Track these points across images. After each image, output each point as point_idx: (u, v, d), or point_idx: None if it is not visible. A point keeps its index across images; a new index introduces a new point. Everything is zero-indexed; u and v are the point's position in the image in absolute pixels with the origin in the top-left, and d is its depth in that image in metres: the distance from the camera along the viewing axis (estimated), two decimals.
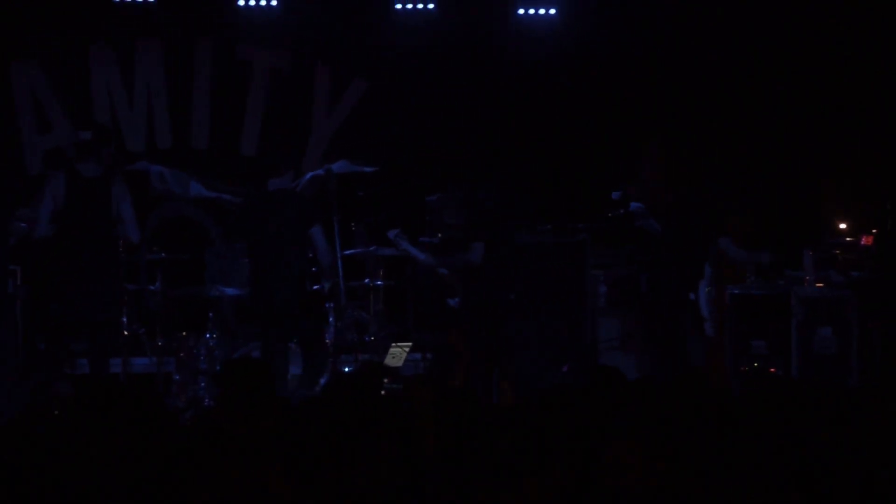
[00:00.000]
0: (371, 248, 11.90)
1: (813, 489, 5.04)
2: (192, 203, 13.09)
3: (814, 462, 5.17)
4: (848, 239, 12.03)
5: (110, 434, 5.20)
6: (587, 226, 12.40)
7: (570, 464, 4.93)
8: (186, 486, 5.01)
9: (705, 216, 11.00)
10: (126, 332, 11.17)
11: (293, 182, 11.13)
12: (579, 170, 13.67)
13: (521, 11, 13.96)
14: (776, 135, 13.50)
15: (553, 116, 13.87)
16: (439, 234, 11.78)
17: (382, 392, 7.29)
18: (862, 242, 11.77)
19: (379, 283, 12.09)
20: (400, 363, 11.75)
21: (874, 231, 11.73)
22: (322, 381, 10.64)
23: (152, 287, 11.70)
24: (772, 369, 11.31)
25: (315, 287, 10.92)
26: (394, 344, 11.89)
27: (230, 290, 11.49)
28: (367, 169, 12.06)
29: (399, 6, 13.86)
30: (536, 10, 13.95)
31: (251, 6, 13.75)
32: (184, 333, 11.39)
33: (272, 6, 13.76)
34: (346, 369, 11.35)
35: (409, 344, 11.98)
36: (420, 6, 13.87)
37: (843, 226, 12.51)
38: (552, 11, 13.94)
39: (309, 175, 11.80)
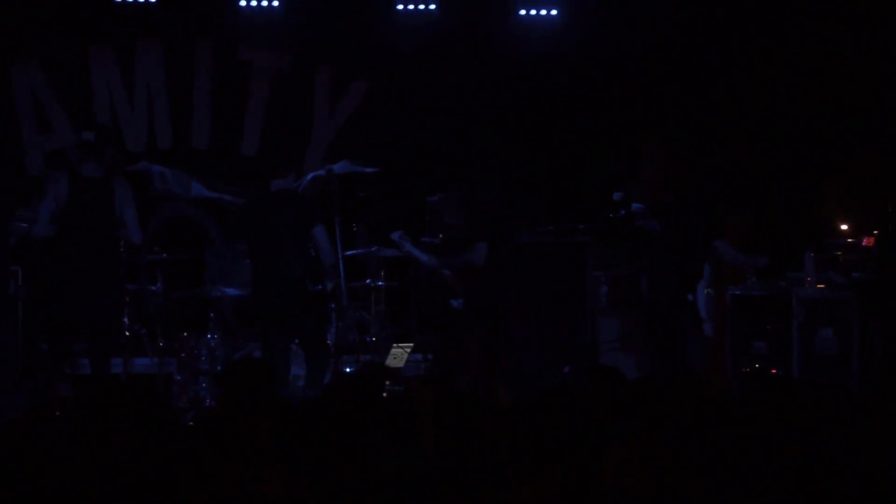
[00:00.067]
0: (372, 249, 11.90)
1: (813, 490, 5.04)
2: (192, 203, 13.09)
3: (814, 463, 5.17)
4: (849, 240, 12.02)
5: (111, 435, 5.19)
6: (588, 226, 12.41)
7: (571, 464, 4.93)
8: (188, 487, 5.01)
9: (705, 216, 11.00)
10: (127, 333, 11.17)
11: (295, 183, 11.13)
12: (580, 170, 13.67)
13: (523, 12, 13.97)
14: (776, 135, 13.50)
15: (554, 117, 13.88)
16: (440, 235, 11.78)
17: (384, 394, 7.28)
18: (863, 243, 11.76)
19: (380, 283, 12.09)
20: (401, 364, 11.76)
21: (875, 232, 11.73)
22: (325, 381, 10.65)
23: (153, 287, 11.69)
24: (773, 370, 11.31)
25: (317, 287, 10.93)
26: (395, 345, 11.90)
27: (231, 291, 11.49)
28: (369, 169, 12.07)
29: (400, 7, 13.87)
30: (538, 11, 13.96)
31: (252, 6, 13.76)
32: (185, 334, 11.39)
33: (273, 6, 13.76)
34: (348, 370, 11.34)
35: (411, 345, 11.99)
36: (421, 7, 13.88)
37: (844, 227, 12.50)
38: (553, 12, 13.95)
39: (310, 175, 11.81)
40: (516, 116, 13.89)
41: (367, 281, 12.05)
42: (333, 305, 11.15)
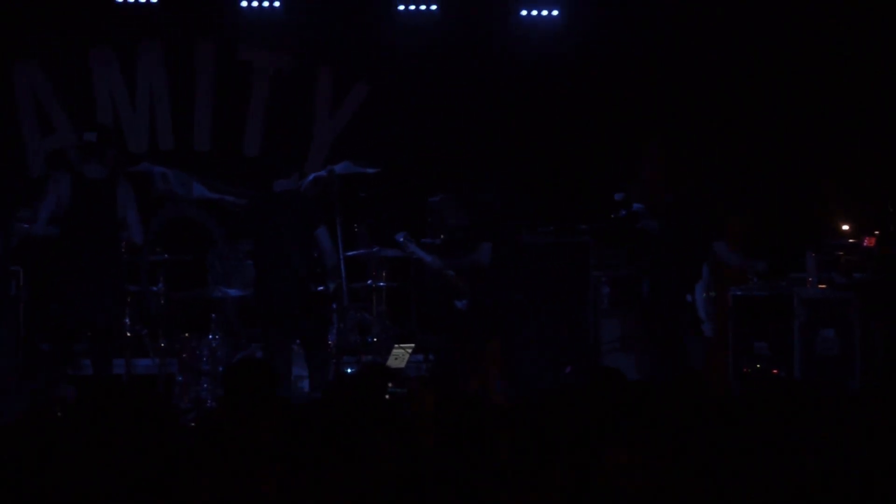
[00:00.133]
0: (374, 250, 11.90)
1: (813, 490, 5.05)
2: (194, 204, 13.09)
3: (814, 463, 5.18)
4: (850, 240, 12.02)
5: (113, 435, 5.20)
6: (590, 227, 12.41)
7: (571, 464, 4.94)
8: (189, 487, 5.02)
9: (705, 217, 11.00)
10: (129, 334, 11.17)
11: (297, 183, 11.14)
12: (582, 171, 13.67)
13: (524, 13, 13.98)
14: (777, 135, 13.50)
15: (555, 117, 13.88)
16: (441, 236, 11.79)
17: (387, 396, 7.27)
18: (864, 244, 11.76)
19: (381, 284, 12.09)
20: (402, 365, 11.76)
21: (876, 232, 11.73)
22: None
23: (155, 288, 11.69)
24: (774, 371, 11.31)
25: (320, 288, 10.93)
26: (396, 345, 11.90)
27: (233, 292, 11.50)
28: (370, 170, 12.06)
29: (401, 7, 13.87)
30: (539, 12, 13.96)
31: (253, 7, 13.76)
32: (186, 335, 11.40)
33: (274, 7, 13.76)
34: (349, 370, 11.35)
35: (412, 345, 11.99)
36: (422, 7, 13.88)
37: (845, 227, 12.50)
38: (554, 13, 13.95)
39: (312, 176, 11.81)
40: (517, 117, 13.90)
41: (369, 282, 12.04)
42: (335, 306, 11.15)
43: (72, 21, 13.56)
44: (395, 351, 11.83)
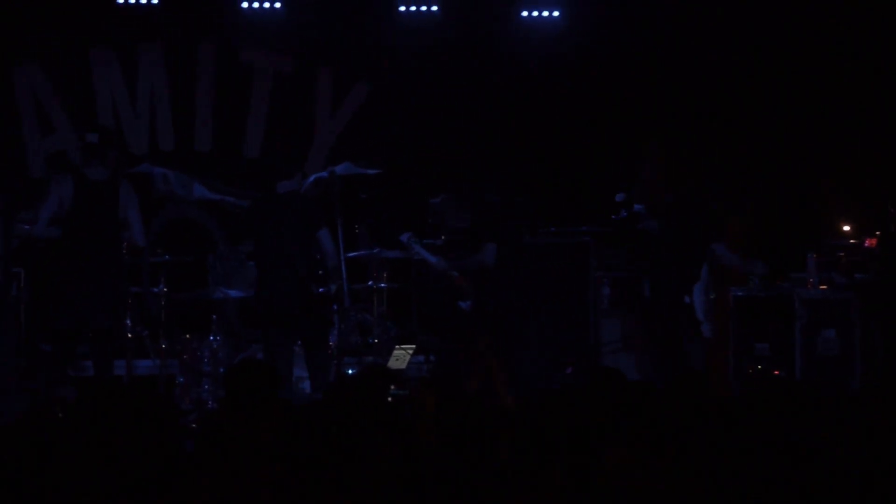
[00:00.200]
0: (374, 251, 11.90)
1: (813, 490, 5.05)
2: (195, 205, 13.10)
3: (815, 463, 5.18)
4: (851, 241, 12.01)
5: (114, 436, 5.20)
6: (591, 228, 12.41)
7: (571, 465, 4.94)
8: (190, 488, 5.02)
9: (705, 217, 11.00)
10: (130, 335, 11.17)
11: (300, 184, 11.14)
12: (583, 172, 13.68)
13: (525, 13, 13.99)
14: (777, 135, 13.50)
15: (555, 118, 13.89)
16: (442, 237, 11.78)
17: (389, 398, 7.27)
18: (865, 244, 11.75)
19: (382, 285, 12.09)
20: (403, 366, 11.76)
21: (877, 233, 11.73)
22: None
23: (156, 290, 11.70)
24: (775, 371, 11.30)
25: (321, 289, 10.94)
26: (397, 346, 11.90)
27: (234, 293, 11.50)
28: (371, 171, 12.07)
29: (402, 8, 13.88)
30: (540, 12, 13.97)
31: (254, 8, 13.77)
32: (187, 336, 11.40)
33: (275, 8, 13.77)
34: (350, 372, 11.35)
35: (413, 346, 11.99)
36: (423, 8, 13.89)
37: (846, 228, 12.50)
38: (556, 13, 13.96)
39: (313, 177, 11.81)
40: (518, 117, 13.90)
41: (370, 283, 12.04)
42: (336, 307, 11.15)
43: (72, 22, 13.57)
44: (396, 352, 11.84)
